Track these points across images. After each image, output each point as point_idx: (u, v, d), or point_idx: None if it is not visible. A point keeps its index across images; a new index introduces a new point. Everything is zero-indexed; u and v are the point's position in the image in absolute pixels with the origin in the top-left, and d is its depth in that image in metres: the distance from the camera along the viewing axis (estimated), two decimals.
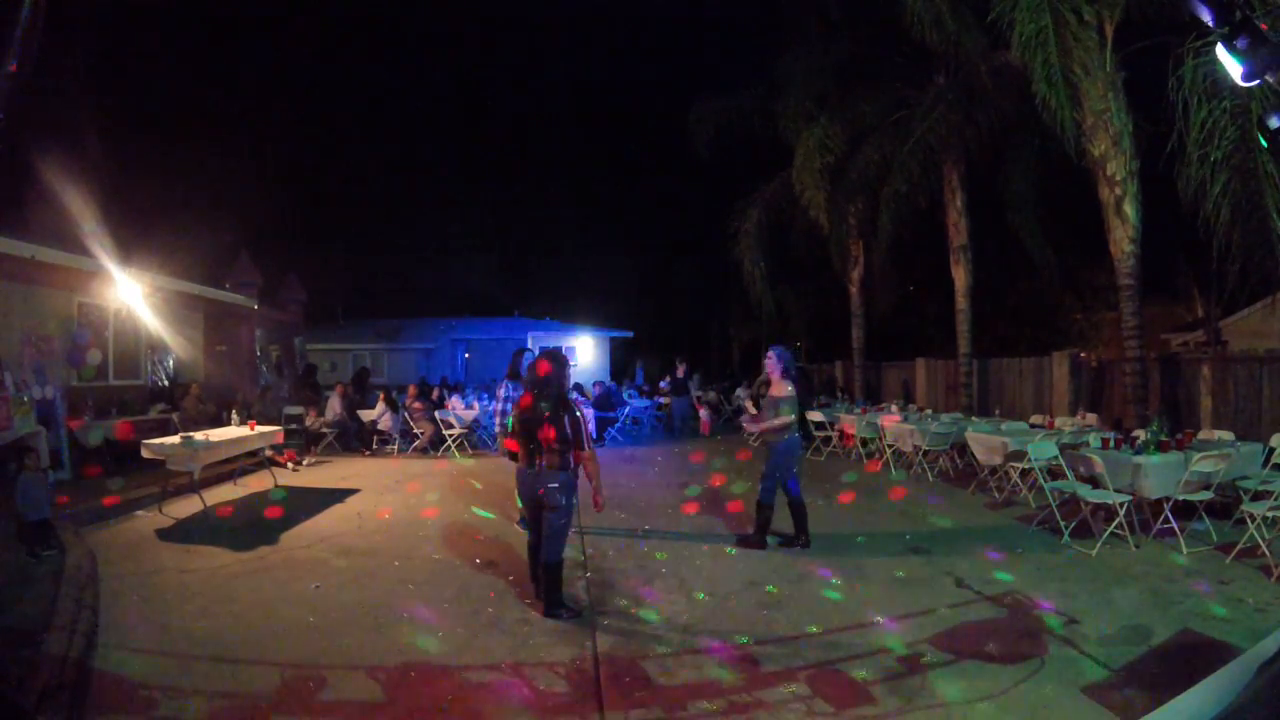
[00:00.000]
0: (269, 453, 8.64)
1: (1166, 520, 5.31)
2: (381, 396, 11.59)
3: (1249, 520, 4.91)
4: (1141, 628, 3.75)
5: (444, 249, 40.31)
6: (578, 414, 4.12)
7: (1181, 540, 5.14)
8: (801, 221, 14.61)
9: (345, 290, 27.79)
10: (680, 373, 13.99)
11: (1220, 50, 1.48)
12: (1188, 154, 6.86)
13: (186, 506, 6.80)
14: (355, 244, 37.87)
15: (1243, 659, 1.35)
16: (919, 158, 11.21)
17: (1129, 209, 8.37)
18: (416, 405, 11.27)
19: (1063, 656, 3.44)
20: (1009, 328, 19.30)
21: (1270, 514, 4.78)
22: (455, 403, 12.01)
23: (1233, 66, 1.47)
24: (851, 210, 13.35)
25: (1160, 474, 5.29)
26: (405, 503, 7.24)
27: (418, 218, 40.66)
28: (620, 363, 26.44)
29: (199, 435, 7.05)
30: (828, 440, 10.75)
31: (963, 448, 8.16)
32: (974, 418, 9.77)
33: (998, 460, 7.04)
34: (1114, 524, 5.30)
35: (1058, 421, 8.48)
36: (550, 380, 4.10)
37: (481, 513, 6.75)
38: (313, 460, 10.18)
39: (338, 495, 7.58)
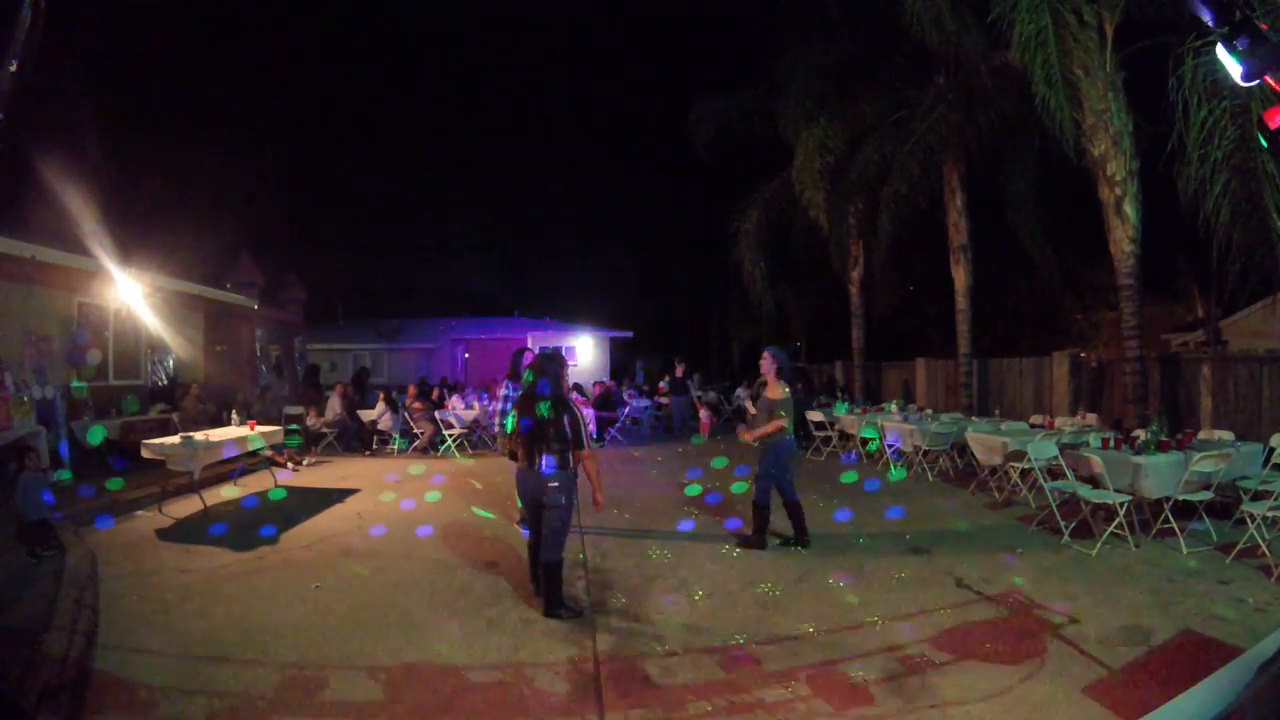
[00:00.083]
0: (269, 453, 8.64)
1: (1166, 520, 5.31)
2: (381, 396, 11.60)
3: (1249, 520, 4.91)
4: (1141, 628, 3.75)
5: (444, 249, 40.43)
6: (576, 413, 4.14)
7: (1181, 540, 5.14)
8: (801, 221, 14.62)
9: (345, 290, 27.86)
10: (679, 373, 13.99)
11: (1220, 50, 1.48)
12: (1188, 154, 6.85)
13: (186, 506, 6.80)
14: (355, 244, 37.93)
15: (1243, 659, 1.34)
16: (919, 158, 11.21)
17: (1129, 209, 8.37)
18: (416, 405, 11.27)
19: (1063, 656, 3.44)
20: (1009, 328, 19.29)
21: (1270, 514, 4.78)
22: (455, 403, 12.02)
23: (1233, 66, 1.47)
24: (851, 210, 13.36)
25: (1160, 474, 5.29)
26: (405, 503, 7.24)
27: (418, 217, 40.77)
28: (620, 363, 26.45)
29: (199, 435, 7.06)
30: (828, 440, 10.75)
31: (963, 448, 8.16)
32: (974, 418, 9.77)
33: (998, 460, 7.04)
34: (1114, 524, 5.30)
35: (1058, 421, 8.48)
36: (548, 381, 4.12)
37: (481, 513, 6.75)
38: (313, 460, 10.18)
39: (338, 495, 7.58)
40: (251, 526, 6.19)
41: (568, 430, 4.04)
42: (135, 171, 17.50)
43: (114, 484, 7.00)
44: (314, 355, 19.14)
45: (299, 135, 33.93)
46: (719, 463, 8.82)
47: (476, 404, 12.02)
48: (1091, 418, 8.66)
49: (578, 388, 14.34)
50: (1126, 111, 8.32)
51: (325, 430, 11.23)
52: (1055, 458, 6.02)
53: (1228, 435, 6.72)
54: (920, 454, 8.49)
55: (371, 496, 7.58)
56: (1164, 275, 17.15)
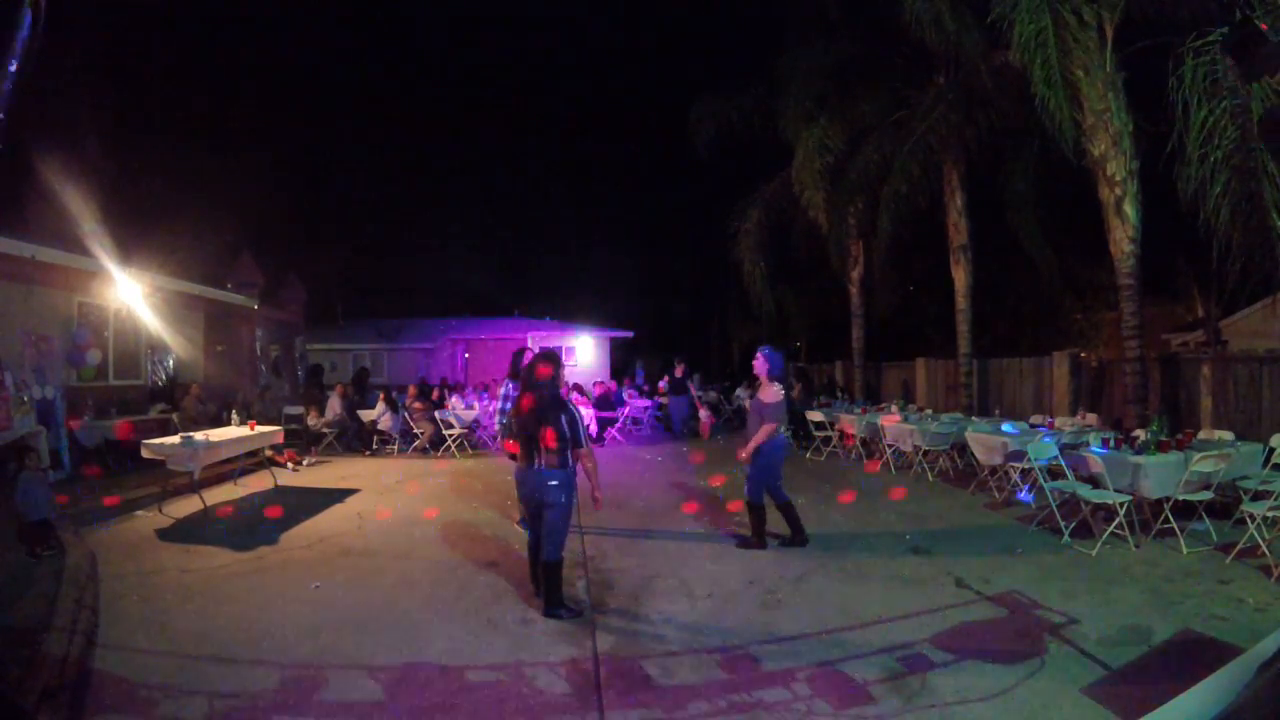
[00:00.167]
0: (269, 453, 8.64)
1: (1166, 520, 5.31)
2: (381, 396, 11.59)
3: (1249, 520, 4.91)
4: (1141, 628, 3.75)
5: (444, 249, 40.45)
6: (574, 412, 4.15)
7: (1181, 540, 5.14)
8: (801, 221, 14.61)
9: (345, 290, 27.84)
10: (679, 373, 13.99)
11: (1220, 50, 1.48)
12: (1188, 154, 6.85)
13: (186, 506, 6.80)
14: (355, 244, 37.93)
15: (1243, 659, 1.35)
16: (919, 158, 11.20)
17: (1129, 209, 8.37)
18: (416, 405, 11.27)
19: (1063, 656, 3.44)
20: (1009, 328, 19.29)
21: (1270, 514, 4.78)
22: (455, 403, 12.02)
23: (1233, 66, 1.47)
24: (851, 210, 13.34)
25: (1160, 474, 5.29)
26: (405, 503, 7.24)
27: (418, 217, 40.77)
28: (620, 363, 26.45)
29: (199, 435, 7.06)
30: (828, 440, 10.75)
31: (963, 448, 8.16)
32: (974, 418, 9.77)
33: (998, 460, 7.04)
34: (1114, 524, 5.30)
35: (1058, 421, 8.48)
36: (545, 381, 4.13)
37: (481, 513, 6.75)
38: (313, 460, 10.18)
39: (338, 495, 7.58)
40: (251, 526, 6.19)
41: (566, 429, 4.05)
42: (135, 171, 17.50)
43: (114, 484, 7.00)
44: (314, 355, 19.15)
45: (299, 135, 33.97)
46: (718, 463, 8.81)
47: (476, 404, 12.02)
48: (1091, 418, 8.66)
49: (578, 388, 14.34)
50: (1126, 111, 8.32)
51: (325, 430, 11.23)
52: (1055, 458, 6.03)
53: (1228, 435, 6.72)
54: (920, 454, 8.49)
55: (371, 496, 7.58)
56: (1164, 275, 17.12)
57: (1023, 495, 6.98)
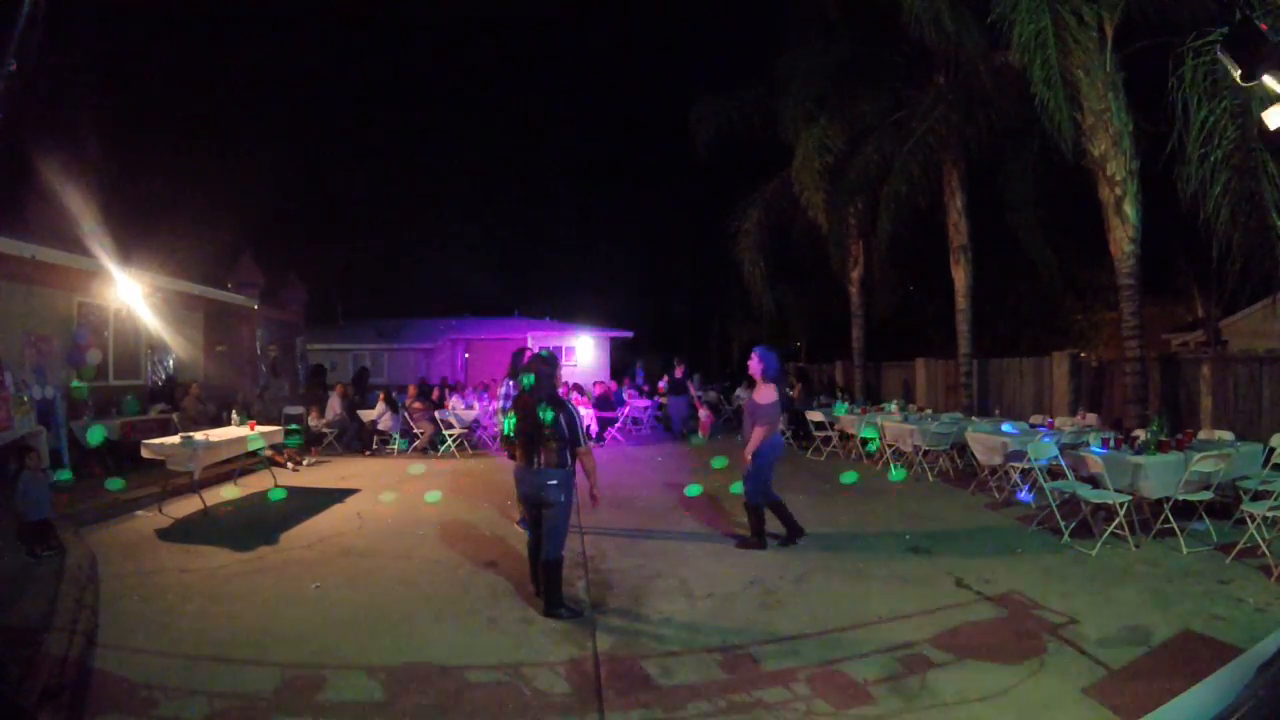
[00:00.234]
0: (269, 453, 8.64)
1: (1166, 520, 5.31)
2: (381, 396, 11.60)
3: (1249, 520, 4.91)
4: (1141, 628, 3.75)
5: (444, 249, 40.41)
6: (573, 411, 4.15)
7: (1181, 540, 5.14)
8: (801, 221, 14.60)
9: (345, 290, 27.83)
10: (679, 373, 13.99)
11: (1220, 50, 1.48)
12: (1188, 154, 6.85)
13: (186, 506, 6.80)
14: (355, 244, 37.88)
15: (1243, 659, 1.35)
16: (919, 158, 11.20)
17: (1129, 209, 8.37)
18: (416, 405, 11.27)
19: (1063, 656, 3.44)
20: (1009, 328, 19.30)
21: (1270, 514, 4.78)
22: (455, 403, 12.02)
23: (1233, 66, 1.47)
24: (851, 210, 13.35)
25: (1160, 474, 5.29)
26: (405, 503, 7.24)
27: (418, 217, 40.71)
28: (620, 362, 26.45)
29: (199, 435, 7.06)
30: (828, 440, 10.75)
31: (963, 448, 8.16)
32: (974, 418, 9.77)
33: (998, 460, 7.04)
34: (1114, 524, 5.30)
35: (1058, 421, 8.48)
36: (542, 381, 4.14)
37: (481, 512, 6.75)
38: (313, 460, 10.18)
39: (338, 495, 7.58)
40: (251, 526, 6.19)
41: (564, 429, 4.05)
42: (135, 171, 17.51)
43: (114, 484, 7.00)
44: (314, 355, 19.15)
45: (300, 135, 33.96)
46: (718, 463, 8.81)
47: (476, 404, 12.02)
48: (1091, 418, 8.65)
49: (578, 388, 14.34)
50: (1126, 111, 8.31)
51: (325, 430, 11.23)
52: (1055, 458, 6.03)
53: (1228, 435, 6.72)
54: (920, 454, 8.49)
55: (371, 496, 7.58)
56: (1164, 275, 17.14)
57: (1023, 495, 6.99)
